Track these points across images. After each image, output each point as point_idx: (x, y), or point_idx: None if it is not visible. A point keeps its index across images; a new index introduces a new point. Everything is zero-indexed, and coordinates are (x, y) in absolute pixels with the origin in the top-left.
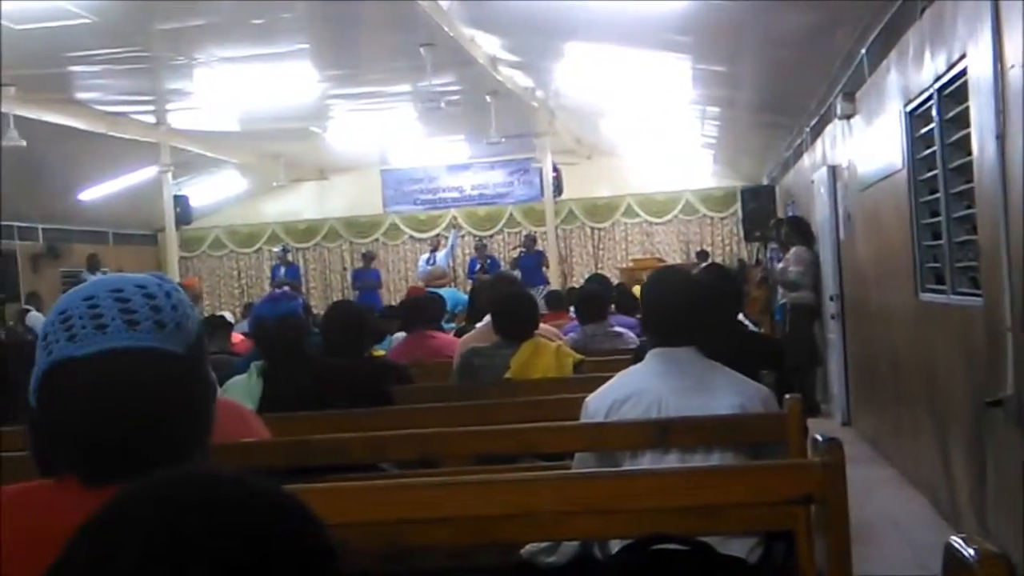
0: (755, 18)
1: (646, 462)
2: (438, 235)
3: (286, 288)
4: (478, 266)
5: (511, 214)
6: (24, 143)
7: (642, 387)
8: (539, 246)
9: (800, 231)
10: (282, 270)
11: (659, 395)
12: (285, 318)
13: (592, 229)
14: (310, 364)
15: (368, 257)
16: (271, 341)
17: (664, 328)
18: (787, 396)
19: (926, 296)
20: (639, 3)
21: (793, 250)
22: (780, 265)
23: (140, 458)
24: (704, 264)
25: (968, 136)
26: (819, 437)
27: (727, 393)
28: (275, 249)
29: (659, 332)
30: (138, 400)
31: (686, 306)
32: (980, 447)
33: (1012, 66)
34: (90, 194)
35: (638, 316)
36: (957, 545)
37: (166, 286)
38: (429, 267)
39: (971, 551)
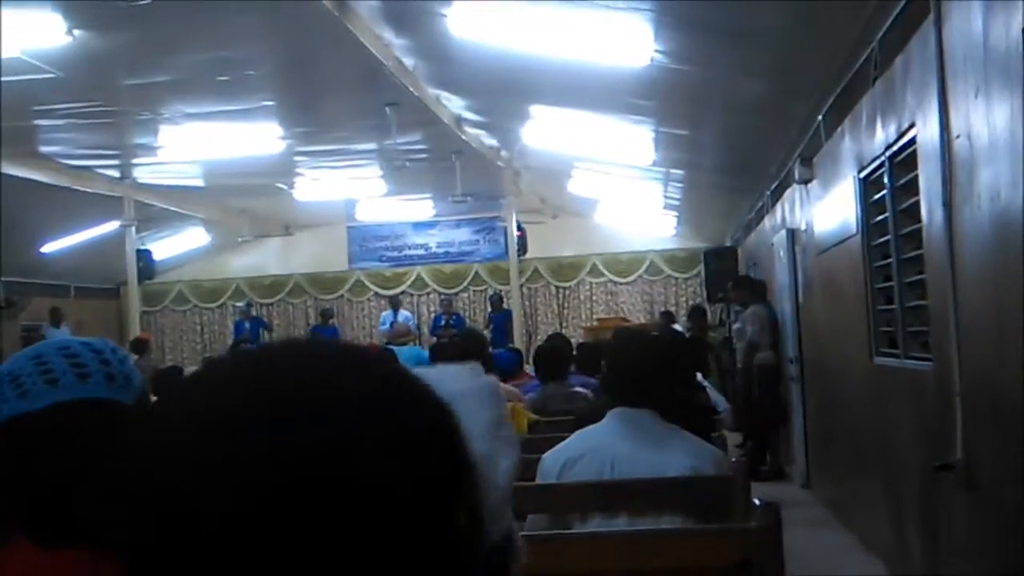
0: (715, 83)
1: (595, 524)
2: (399, 293)
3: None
4: (443, 322)
5: (477, 272)
6: None
7: (597, 445)
8: (505, 305)
9: (753, 289)
10: (246, 325)
11: (613, 453)
12: None
13: (557, 288)
14: None
15: (326, 315)
16: None
17: (625, 389)
18: (732, 459)
19: (880, 360)
20: (600, 67)
21: (749, 309)
22: (737, 325)
23: (96, 516)
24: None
25: (918, 203)
26: (757, 501)
27: (680, 455)
28: (238, 304)
29: (620, 392)
30: (95, 451)
31: (650, 369)
32: (932, 511)
33: (958, 136)
34: (52, 247)
35: (599, 376)
36: None
37: (110, 344)
38: (392, 326)
39: None
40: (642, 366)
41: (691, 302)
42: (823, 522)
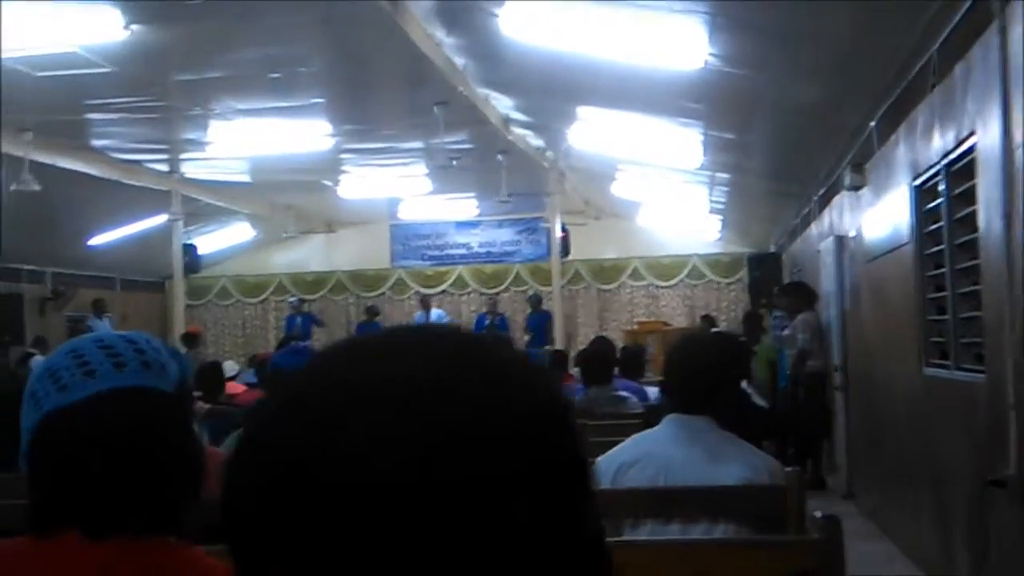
0: (767, 87)
1: (646, 531)
2: (432, 293)
3: (309, 343)
4: (487, 322)
5: (518, 273)
6: (38, 187)
7: (652, 451)
8: (544, 306)
9: (804, 295)
10: (297, 320)
11: (668, 461)
12: None
13: (598, 290)
14: None
15: (372, 311)
16: None
17: (683, 394)
18: (787, 469)
19: (930, 371)
20: (651, 70)
21: (800, 316)
22: (787, 332)
23: (140, 502)
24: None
25: (975, 213)
26: (818, 514)
27: (735, 465)
28: (290, 300)
29: (678, 397)
30: (135, 438)
31: (710, 374)
32: (982, 526)
33: (1020, 146)
34: (100, 240)
35: (641, 380)
36: None
37: (145, 334)
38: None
39: None
40: (701, 371)
41: (733, 307)
42: (866, 533)
